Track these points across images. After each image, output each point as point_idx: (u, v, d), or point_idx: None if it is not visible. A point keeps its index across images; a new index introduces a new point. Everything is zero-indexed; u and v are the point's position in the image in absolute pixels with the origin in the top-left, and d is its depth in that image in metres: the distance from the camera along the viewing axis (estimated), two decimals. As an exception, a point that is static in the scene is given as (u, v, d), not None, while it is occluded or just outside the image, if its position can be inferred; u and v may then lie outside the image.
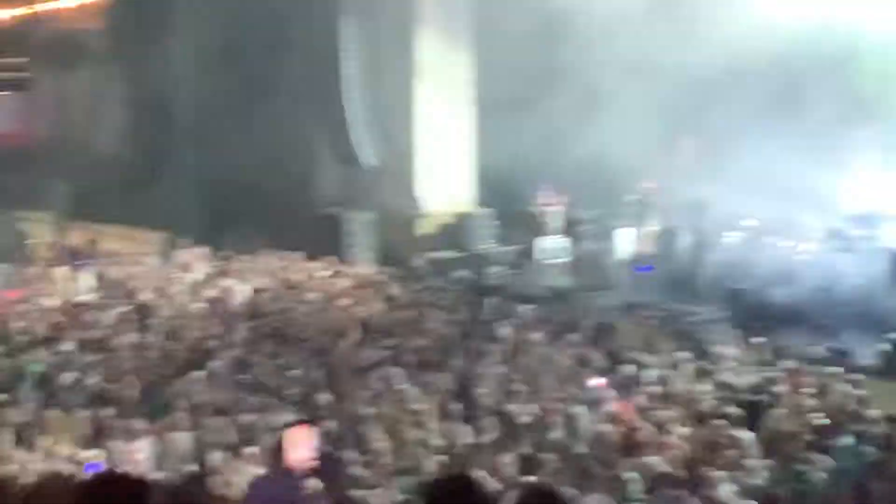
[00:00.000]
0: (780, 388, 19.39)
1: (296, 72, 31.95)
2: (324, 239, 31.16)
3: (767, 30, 27.72)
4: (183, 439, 17.32)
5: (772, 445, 17.32)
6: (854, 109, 29.73)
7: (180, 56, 33.90)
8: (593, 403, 18.62)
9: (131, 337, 22.70)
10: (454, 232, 32.10)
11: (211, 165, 33.37)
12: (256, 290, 26.13)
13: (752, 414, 18.28)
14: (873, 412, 18.33)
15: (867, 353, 23.25)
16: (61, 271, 27.90)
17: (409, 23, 32.08)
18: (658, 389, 19.38)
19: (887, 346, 22.92)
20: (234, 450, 16.95)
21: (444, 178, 32.56)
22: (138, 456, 16.84)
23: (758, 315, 24.92)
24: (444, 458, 16.62)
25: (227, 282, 26.69)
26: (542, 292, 28.92)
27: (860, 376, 20.05)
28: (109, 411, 18.26)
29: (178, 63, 34.00)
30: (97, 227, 32.68)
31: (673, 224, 30.35)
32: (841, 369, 20.74)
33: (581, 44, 29.46)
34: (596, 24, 28.63)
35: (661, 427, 17.40)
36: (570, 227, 30.23)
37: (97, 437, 17.62)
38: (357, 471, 15.94)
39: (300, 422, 12.48)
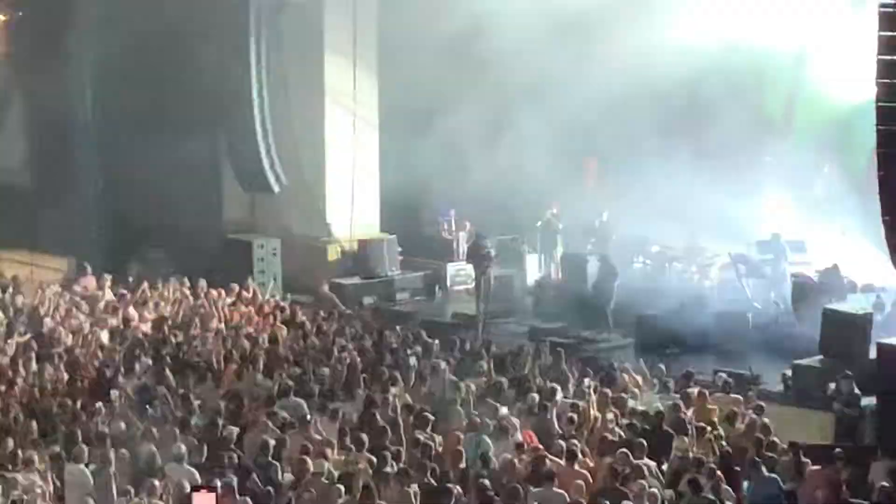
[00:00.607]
0: (687, 415, 19.44)
1: (203, 96, 31.68)
2: (231, 265, 30.90)
3: (675, 52, 27.84)
4: (85, 471, 17.06)
5: (678, 473, 17.36)
6: (760, 133, 29.97)
7: (84, 80, 33.43)
8: (501, 432, 18.58)
9: (32, 367, 22.33)
10: (361, 258, 31.95)
11: (116, 191, 32.95)
12: (160, 318, 25.79)
13: (659, 441, 18.30)
14: (777, 439, 18.46)
15: (772, 378, 23.36)
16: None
17: (316, 47, 31.93)
18: (565, 417, 19.37)
19: (791, 373, 23.02)
20: (137, 481, 16.77)
21: (350, 204, 32.40)
22: (38, 489, 16.59)
23: (664, 341, 24.99)
24: (349, 488, 16.50)
25: (130, 310, 26.32)
26: (450, 318, 28.86)
27: (763, 403, 20.17)
28: (8, 443, 17.96)
29: (81, 87, 33.53)
30: (-1, 253, 32.22)
31: (579, 249, 30.33)
32: (743, 396, 20.87)
33: (487, 67, 29.45)
34: (502, 48, 28.60)
35: (567, 455, 17.38)
36: (477, 252, 30.15)
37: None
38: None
39: (205, 487, 12.55)
